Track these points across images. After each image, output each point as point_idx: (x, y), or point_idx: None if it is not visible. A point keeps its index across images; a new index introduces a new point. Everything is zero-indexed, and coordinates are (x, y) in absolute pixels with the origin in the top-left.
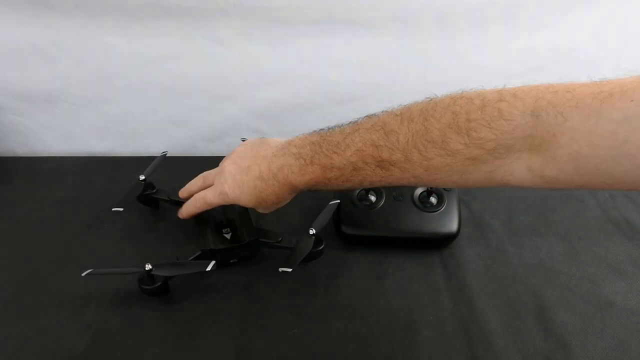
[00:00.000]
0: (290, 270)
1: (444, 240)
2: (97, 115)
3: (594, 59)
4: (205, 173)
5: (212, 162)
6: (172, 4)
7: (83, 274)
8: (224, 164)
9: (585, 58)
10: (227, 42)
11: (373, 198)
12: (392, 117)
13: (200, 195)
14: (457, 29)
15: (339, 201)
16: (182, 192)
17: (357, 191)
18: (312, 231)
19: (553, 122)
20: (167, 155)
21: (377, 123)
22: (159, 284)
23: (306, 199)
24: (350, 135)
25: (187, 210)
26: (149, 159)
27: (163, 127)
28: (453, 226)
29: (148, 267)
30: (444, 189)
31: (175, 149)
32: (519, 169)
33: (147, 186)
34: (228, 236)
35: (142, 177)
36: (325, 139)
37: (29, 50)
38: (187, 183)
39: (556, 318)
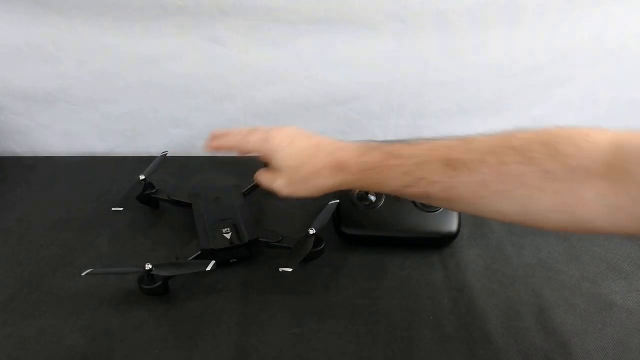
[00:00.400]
0: (290, 270)
1: (444, 240)
2: (97, 115)
3: (594, 59)
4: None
5: (212, 162)
6: (172, 4)
7: (83, 274)
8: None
9: (585, 58)
10: (227, 42)
11: (373, 198)
12: (473, 134)
13: (247, 133)
14: (457, 28)
15: (338, 201)
16: (218, 132)
17: (358, 191)
18: (312, 231)
19: (634, 154)
20: (167, 156)
21: (455, 136)
22: (159, 284)
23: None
24: (424, 140)
25: (225, 140)
26: (149, 159)
27: (163, 127)
28: (453, 226)
29: (148, 267)
30: None
31: (175, 149)
32: (589, 195)
33: (147, 186)
34: (228, 236)
35: (142, 177)
36: (398, 141)
37: (29, 50)
38: (186, 183)
39: (556, 318)
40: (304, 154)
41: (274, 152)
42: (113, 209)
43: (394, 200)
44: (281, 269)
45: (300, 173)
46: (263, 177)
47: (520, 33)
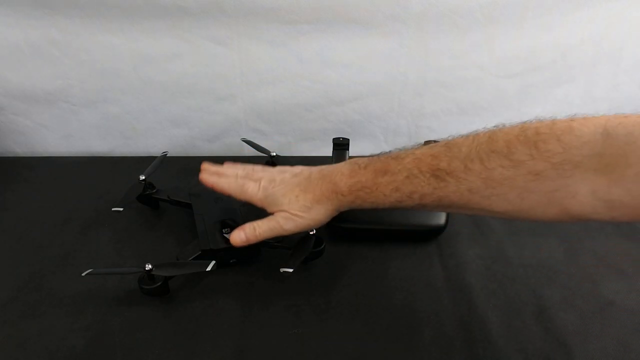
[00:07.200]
0: (291, 270)
1: (432, 233)
2: (97, 115)
3: (594, 59)
4: (256, 167)
5: (212, 162)
6: (172, 4)
7: (83, 274)
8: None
9: (585, 58)
10: (227, 42)
11: None
12: (457, 136)
13: (242, 180)
14: (457, 29)
15: None
16: (209, 167)
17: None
18: (312, 231)
19: (623, 141)
20: (167, 155)
21: (441, 141)
22: (159, 284)
23: None
24: (411, 149)
25: (219, 182)
26: (149, 159)
27: (163, 127)
28: (441, 218)
29: (148, 267)
30: None
31: (175, 149)
32: (582, 191)
33: (147, 186)
34: (228, 236)
35: (142, 177)
36: (385, 153)
37: (29, 50)
38: (186, 183)
39: (556, 318)
40: (299, 189)
41: (271, 197)
42: (113, 209)
43: None
44: (282, 270)
45: (299, 202)
46: (260, 225)
47: (521, 33)
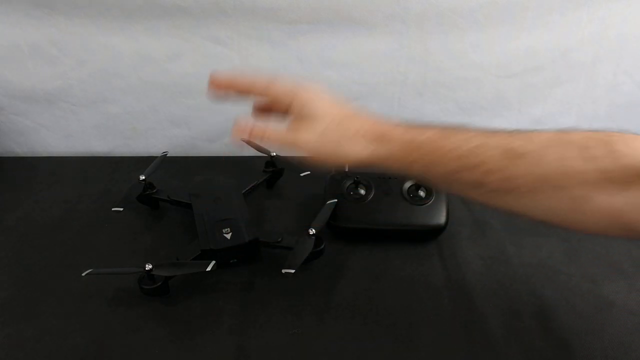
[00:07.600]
0: (293, 271)
1: (433, 233)
2: (97, 115)
3: (594, 59)
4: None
5: (212, 162)
6: (172, 4)
7: (83, 274)
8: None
9: (585, 58)
10: (227, 42)
11: (362, 191)
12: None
13: (270, 76)
14: (457, 29)
15: (336, 200)
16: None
17: (347, 184)
18: (312, 231)
19: None
20: (167, 155)
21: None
22: (159, 284)
23: (305, 197)
24: (473, 128)
25: (243, 80)
26: (149, 159)
27: (163, 127)
28: (441, 218)
29: (148, 267)
30: None
31: (175, 149)
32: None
33: (147, 186)
34: (228, 236)
35: (142, 177)
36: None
37: (29, 50)
38: (186, 183)
39: (556, 318)
40: (342, 113)
41: (307, 101)
42: (113, 209)
43: (383, 194)
44: (284, 271)
45: (334, 133)
46: (283, 132)
47: (521, 33)
